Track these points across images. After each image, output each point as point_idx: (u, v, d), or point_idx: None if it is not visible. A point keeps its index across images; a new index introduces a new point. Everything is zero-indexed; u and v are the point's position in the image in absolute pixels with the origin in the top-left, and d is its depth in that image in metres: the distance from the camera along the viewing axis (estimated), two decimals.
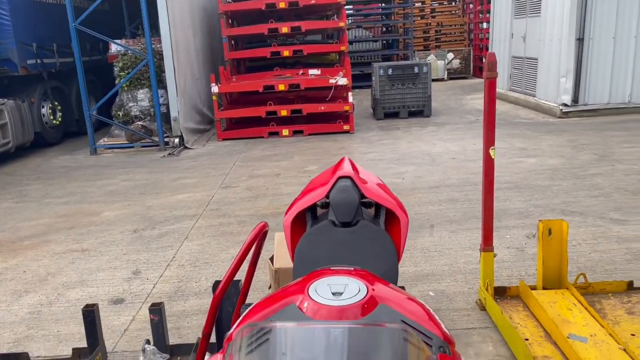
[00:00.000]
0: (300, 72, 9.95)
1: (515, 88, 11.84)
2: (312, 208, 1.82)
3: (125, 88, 9.19)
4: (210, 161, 7.88)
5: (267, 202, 5.58)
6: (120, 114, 9.25)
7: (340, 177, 1.79)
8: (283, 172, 6.84)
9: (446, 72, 18.18)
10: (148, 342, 2.71)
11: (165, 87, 8.87)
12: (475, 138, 8.26)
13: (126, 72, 9.05)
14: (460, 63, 18.65)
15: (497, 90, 12.95)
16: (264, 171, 6.99)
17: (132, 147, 9.03)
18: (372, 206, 1.86)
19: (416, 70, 10.45)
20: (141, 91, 9.13)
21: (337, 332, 0.83)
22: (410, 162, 7.00)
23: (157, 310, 2.79)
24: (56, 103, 9.75)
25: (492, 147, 3.06)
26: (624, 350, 2.51)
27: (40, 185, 7.01)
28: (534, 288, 3.16)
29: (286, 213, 1.85)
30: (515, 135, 8.30)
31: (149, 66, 8.56)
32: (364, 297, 0.96)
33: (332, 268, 1.19)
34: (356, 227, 1.70)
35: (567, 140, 7.68)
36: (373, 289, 0.99)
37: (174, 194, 6.16)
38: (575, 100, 9.41)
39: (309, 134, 9.28)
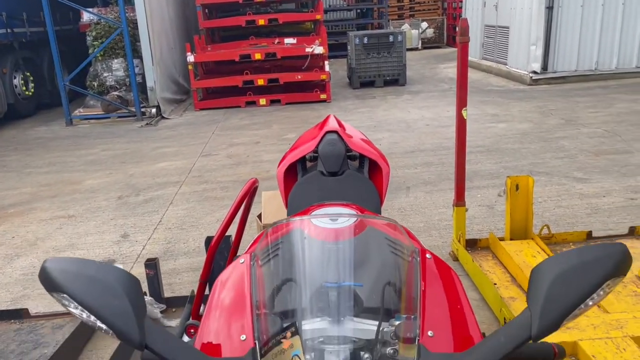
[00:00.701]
0: (276, 41, 9.97)
1: (487, 56, 12.08)
2: (302, 160, 2.00)
3: (100, 58, 9.11)
4: (188, 131, 7.95)
5: (248, 169, 5.72)
6: (95, 84, 9.17)
7: (327, 132, 1.97)
8: (262, 140, 6.97)
9: (420, 42, 18.30)
10: (145, 294, 2.88)
11: (140, 57, 8.82)
12: (448, 105, 8.49)
13: (100, 41, 8.95)
14: (434, 32, 18.78)
15: (470, 59, 13.26)
16: (243, 139, 7.10)
17: (109, 117, 9.00)
18: (357, 158, 2.04)
19: (391, 39, 10.57)
20: (116, 61, 9.06)
21: (337, 245, 1.01)
22: (387, 129, 7.20)
23: (152, 265, 2.95)
24: (28, 74, 9.60)
25: (464, 108, 3.25)
26: None
27: (18, 156, 7.00)
28: (502, 239, 3.41)
29: (279, 165, 2.02)
30: (487, 102, 8.55)
31: (124, 35, 8.49)
32: (355, 222, 1.15)
33: (327, 202, 1.38)
34: (343, 176, 1.88)
35: (536, 106, 7.96)
36: (363, 218, 1.17)
37: (155, 163, 6.25)
38: (544, 67, 9.70)
39: (287, 103, 9.38)
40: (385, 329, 0.88)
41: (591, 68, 9.73)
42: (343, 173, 1.88)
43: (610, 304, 2.72)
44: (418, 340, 0.87)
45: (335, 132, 1.97)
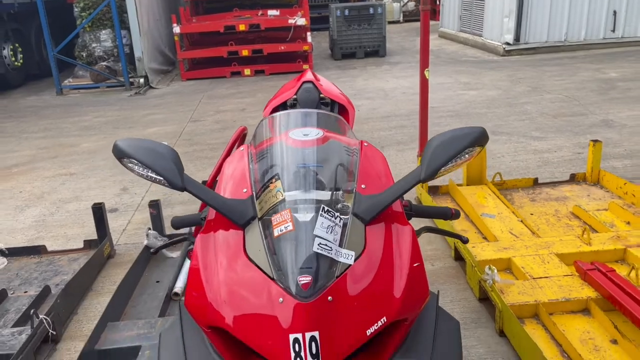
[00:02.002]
0: (260, 12, 10.26)
1: (464, 29, 12.48)
2: (283, 105, 2.44)
3: (88, 29, 9.35)
4: (176, 99, 8.29)
5: None
6: (84, 54, 9.44)
7: (304, 82, 2.41)
8: (248, 107, 7.36)
9: (402, 15, 18.60)
10: (149, 229, 3.33)
11: (127, 28, 9.08)
12: None
13: (88, 12, 9.18)
14: (415, 5, 19.06)
15: (448, 31, 13.63)
16: (229, 107, 7.49)
17: (98, 87, 9.30)
18: (329, 105, 2.48)
19: (371, 11, 10.90)
20: (104, 32, 9.31)
21: (305, 147, 1.45)
22: (366, 96, 7.63)
23: (155, 205, 3.40)
24: (17, 45, 9.80)
25: (426, 69, 3.70)
26: (521, 221, 3.29)
27: (13, 122, 7.32)
28: (460, 186, 3.91)
29: (264, 110, 2.45)
30: (461, 71, 9.00)
31: (111, 6, 8.73)
32: (322, 136, 1.58)
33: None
34: None
35: (507, 75, 8.44)
36: (326, 134, 1.61)
37: (146, 128, 6.62)
38: (517, 39, 10.16)
39: (270, 74, 9.73)
40: (338, 192, 1.33)
41: (561, 39, 10.21)
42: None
43: (544, 232, 3.24)
44: (355, 189, 1.33)
45: (311, 82, 2.41)
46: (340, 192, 1.32)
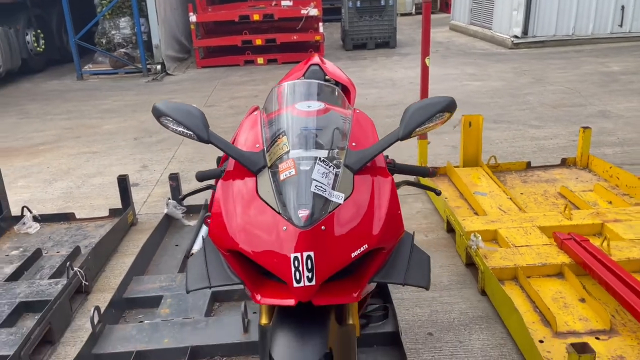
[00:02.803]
0: (273, 3, 10.55)
1: (474, 22, 12.65)
2: None
3: (107, 16, 9.69)
4: (192, 85, 8.62)
5: None
6: (103, 41, 9.78)
7: (311, 65, 2.70)
8: (261, 94, 7.65)
9: (414, 7, 18.75)
10: (169, 199, 3.66)
11: (146, 16, 9.40)
12: (432, 66, 9.13)
13: (107, 0, 9.51)
14: None
15: (458, 23, 13.79)
16: (243, 94, 7.79)
17: (116, 73, 9.64)
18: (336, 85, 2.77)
19: (382, 3, 11.12)
20: (123, 19, 9.64)
21: (309, 117, 1.74)
22: (374, 86, 7.89)
23: (174, 177, 3.72)
24: (39, 31, 10.17)
25: (427, 57, 3.97)
26: (510, 199, 3.57)
27: (37, 105, 7.68)
28: (457, 167, 4.18)
29: None
30: (468, 63, 9.22)
31: None
32: (323, 108, 1.87)
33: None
34: None
35: (512, 67, 8.66)
36: (327, 106, 1.89)
37: None
38: (525, 32, 10.34)
39: (283, 62, 10.01)
40: (333, 150, 1.62)
41: (568, 33, 10.38)
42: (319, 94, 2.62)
43: (531, 209, 3.52)
44: (347, 147, 1.62)
45: (317, 64, 2.70)
46: (336, 150, 1.61)
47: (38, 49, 10.16)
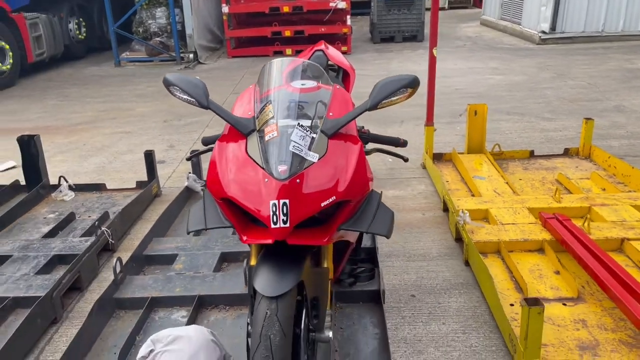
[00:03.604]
0: None
1: (504, 17, 12.66)
2: None
3: (145, 6, 10.14)
4: (222, 74, 8.99)
5: None
6: (140, 30, 10.25)
7: (316, 50, 2.98)
8: None
9: (447, 1, 18.75)
10: (190, 173, 4.00)
11: (180, 7, 9.82)
12: (457, 60, 9.30)
13: None
14: None
15: (489, 18, 13.78)
16: None
17: (152, 61, 10.11)
18: (335, 69, 3.03)
19: None
20: (159, 9, 10.09)
21: (295, 93, 2.01)
22: None
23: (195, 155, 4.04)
24: (81, 19, 10.72)
25: (435, 48, 4.19)
26: (507, 183, 3.77)
27: (77, 89, 8.18)
28: (461, 154, 4.39)
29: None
30: (493, 58, 9.32)
31: None
32: (314, 86, 2.13)
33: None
34: None
35: (536, 62, 8.72)
36: (319, 84, 2.16)
37: None
38: (553, 28, 10.34)
39: None
40: (315, 120, 1.88)
41: (598, 30, 10.32)
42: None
43: (525, 193, 3.72)
44: (325, 116, 1.89)
45: (322, 50, 2.98)
46: (316, 120, 1.88)
47: (80, 36, 10.72)
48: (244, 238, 1.76)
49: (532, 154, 4.42)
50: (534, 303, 2.03)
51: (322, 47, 3.03)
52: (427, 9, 14.32)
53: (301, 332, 1.78)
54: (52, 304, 2.60)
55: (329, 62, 2.96)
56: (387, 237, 1.88)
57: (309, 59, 2.96)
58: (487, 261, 2.89)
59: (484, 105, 4.30)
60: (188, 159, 2.29)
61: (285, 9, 10.17)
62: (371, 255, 2.87)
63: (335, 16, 10.36)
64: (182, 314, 2.60)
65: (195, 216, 1.90)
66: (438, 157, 4.46)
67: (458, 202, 3.44)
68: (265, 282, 1.69)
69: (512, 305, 2.55)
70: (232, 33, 10.47)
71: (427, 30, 12.15)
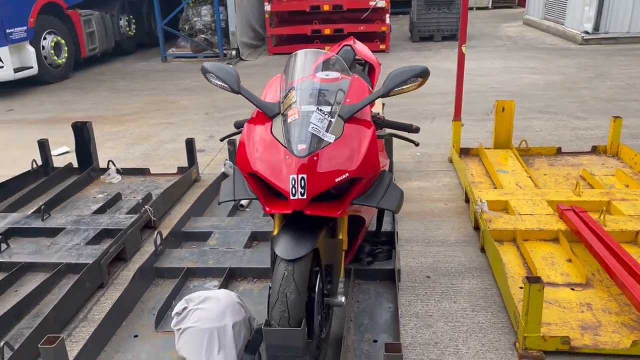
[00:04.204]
0: None
1: (548, 16, 12.51)
2: (326, 62, 3.23)
3: (191, 4, 10.56)
4: (262, 70, 9.28)
5: None
6: (186, 27, 10.68)
7: (344, 45, 3.18)
8: None
9: (491, 1, 18.58)
10: (227, 160, 4.27)
11: (225, 5, 10.18)
12: (495, 59, 9.31)
13: None
14: None
15: (532, 18, 13.64)
16: None
17: (196, 57, 10.51)
18: (362, 63, 3.22)
19: None
20: (204, 7, 10.48)
21: (315, 81, 2.21)
22: (433, 75, 8.12)
23: (232, 142, 4.32)
24: (131, 16, 11.24)
25: (464, 45, 4.32)
26: (529, 177, 3.88)
27: (126, 82, 8.64)
28: (488, 149, 4.51)
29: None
30: (532, 57, 9.28)
31: None
32: (337, 77, 2.33)
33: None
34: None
35: (576, 62, 8.65)
36: (342, 75, 2.36)
37: None
38: (596, 28, 10.19)
39: None
40: (334, 105, 2.08)
41: None
42: (350, 69, 3.10)
43: (548, 187, 3.81)
44: (343, 102, 2.09)
45: (349, 45, 3.18)
46: (335, 105, 2.08)
47: (130, 32, 11.24)
48: (267, 209, 1.98)
49: (559, 151, 4.49)
50: (535, 281, 2.18)
51: (351, 42, 3.23)
52: (476, 8, 14.27)
53: (315, 295, 1.99)
54: (99, 270, 2.90)
55: (356, 57, 3.16)
56: (395, 212, 2.07)
57: (337, 53, 3.17)
58: (502, 248, 3.03)
59: (512, 101, 4.40)
60: (222, 140, 2.53)
61: (326, 8, 10.39)
62: (390, 238, 3.05)
63: (375, 15, 10.51)
64: (214, 283, 2.85)
65: (225, 189, 2.14)
66: (465, 152, 4.58)
67: (479, 193, 3.57)
68: (284, 247, 1.91)
69: (521, 288, 2.69)
70: (273, 31, 10.77)
71: (469, 29, 12.07)
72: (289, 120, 2.00)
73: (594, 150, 4.47)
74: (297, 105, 2.03)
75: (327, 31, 10.44)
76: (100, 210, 3.74)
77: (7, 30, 7.52)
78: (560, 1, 11.65)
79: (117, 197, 3.97)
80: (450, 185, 4.11)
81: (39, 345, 1.95)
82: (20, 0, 7.79)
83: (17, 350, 2.23)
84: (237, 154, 2.08)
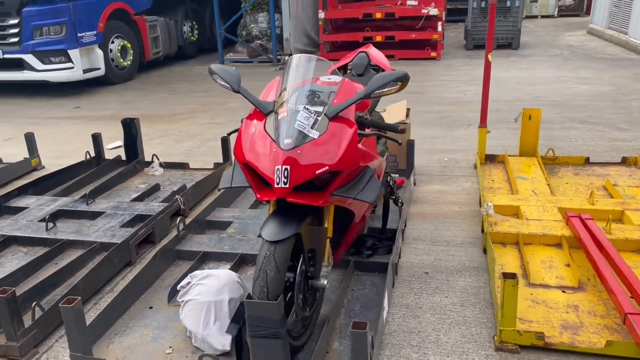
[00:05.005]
0: (399, 2, 11.15)
1: (612, 26, 12.09)
2: (343, 67, 3.43)
3: (249, 11, 11.05)
4: None
5: None
6: (244, 33, 11.17)
7: (360, 51, 3.38)
8: None
9: (557, 9, 18.08)
10: None
11: (280, 12, 10.58)
12: (548, 68, 9.15)
13: None
14: (573, 0, 18.36)
15: (596, 27, 13.20)
16: None
17: (252, 62, 10.97)
18: (378, 70, 3.40)
19: (509, 4, 11.18)
20: (261, 14, 10.94)
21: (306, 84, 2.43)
22: (478, 83, 8.13)
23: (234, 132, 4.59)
24: (194, 23, 11.88)
25: (490, 53, 4.39)
26: (548, 185, 3.90)
27: (184, 84, 9.18)
28: (513, 156, 4.55)
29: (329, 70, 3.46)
30: (587, 67, 9.05)
31: None
32: (333, 81, 2.53)
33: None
34: (364, 77, 3.27)
35: (632, 73, 8.36)
36: (342, 79, 2.56)
37: None
38: None
39: (400, 59, 10.60)
40: (323, 106, 2.29)
41: None
42: (364, 74, 3.29)
43: (566, 195, 3.83)
44: (331, 103, 2.29)
45: (365, 52, 3.37)
46: (323, 105, 2.29)
47: (192, 38, 11.88)
48: (258, 195, 2.22)
49: (587, 161, 4.46)
50: (510, 277, 2.29)
51: (366, 49, 3.43)
52: (542, 17, 13.90)
53: (297, 275, 2.21)
54: (128, 249, 3.24)
55: (371, 62, 3.34)
56: (372, 204, 2.25)
57: (352, 59, 3.38)
58: (504, 250, 3.12)
59: (538, 110, 4.42)
60: (228, 135, 2.78)
61: (378, 15, 10.57)
62: (392, 234, 3.21)
63: (427, 22, 10.58)
64: (227, 267, 3.12)
65: (225, 177, 2.40)
66: (491, 159, 4.64)
67: (492, 197, 3.66)
68: (268, 230, 2.14)
69: (512, 287, 2.78)
70: (326, 37, 11.06)
71: (528, 38, 12.02)
72: (279, 117, 2.22)
73: (624, 161, 4.41)
74: (287, 104, 2.25)
75: (378, 38, 10.61)
76: (139, 199, 4.12)
77: (79, 34, 8.23)
78: (625, 10, 11.25)
79: (155, 188, 4.34)
80: (469, 189, 4.20)
81: (60, 305, 2.28)
82: (92, 7, 8.50)
83: (45, 312, 2.58)
84: (234, 146, 2.33)
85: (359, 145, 2.34)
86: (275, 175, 2.10)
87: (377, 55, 3.47)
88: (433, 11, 10.32)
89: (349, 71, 3.42)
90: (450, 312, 2.68)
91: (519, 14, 11.23)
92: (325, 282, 2.33)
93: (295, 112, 2.21)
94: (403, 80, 2.22)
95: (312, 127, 2.18)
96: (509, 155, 4.50)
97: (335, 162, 2.14)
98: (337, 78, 2.53)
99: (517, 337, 2.35)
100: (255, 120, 2.33)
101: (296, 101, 2.27)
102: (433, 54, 10.47)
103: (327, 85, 2.44)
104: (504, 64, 9.76)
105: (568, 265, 2.94)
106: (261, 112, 2.33)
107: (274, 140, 2.17)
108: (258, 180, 2.26)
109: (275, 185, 2.09)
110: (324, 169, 2.12)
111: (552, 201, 3.59)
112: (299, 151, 2.12)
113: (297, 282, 2.22)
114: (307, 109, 2.22)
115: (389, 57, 10.92)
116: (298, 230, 2.15)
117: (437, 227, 3.60)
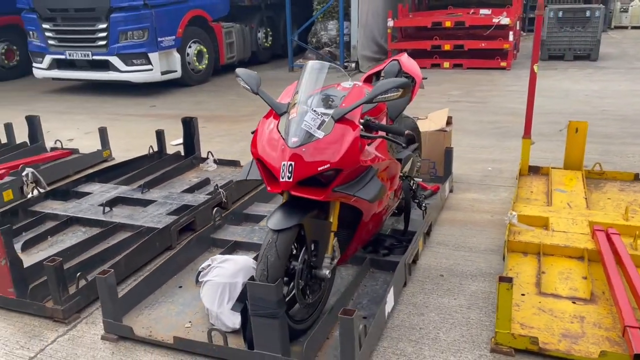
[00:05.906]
0: (471, 11, 11.05)
1: None
2: (377, 74, 3.58)
3: (320, 19, 11.37)
4: None
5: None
6: (314, 40, 11.51)
7: (392, 59, 3.52)
8: (427, 94, 8.38)
9: None
10: None
11: (350, 20, 10.81)
12: (624, 81, 8.74)
13: (321, 5, 11.18)
14: None
15: None
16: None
17: None
18: (409, 77, 3.53)
19: (588, 14, 10.77)
20: (331, 22, 11.23)
21: (337, 90, 2.60)
22: (543, 95, 7.96)
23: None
24: (268, 29, 12.38)
25: (536, 64, 4.36)
26: (585, 198, 3.83)
27: None
28: (558, 169, 4.47)
29: (363, 76, 3.62)
30: None
31: (339, 1, 10.54)
32: (352, 86, 2.70)
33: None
34: None
35: None
36: (356, 84, 2.72)
37: None
38: None
39: (468, 68, 10.50)
40: (332, 109, 2.46)
41: None
42: None
43: (604, 211, 3.74)
44: (339, 106, 2.45)
45: (397, 60, 3.51)
46: (331, 108, 2.47)
47: (266, 44, 12.38)
48: (268, 188, 2.43)
49: (636, 177, 4.31)
50: (505, 280, 2.35)
51: (399, 57, 3.57)
52: (632, 27, 13.15)
53: (298, 263, 2.40)
54: (169, 234, 3.57)
55: (402, 70, 3.47)
56: (370, 202, 2.39)
57: (384, 67, 3.53)
58: (524, 259, 3.14)
59: (585, 122, 4.33)
60: (252, 133, 3.02)
61: (447, 24, 10.53)
62: (410, 235, 3.32)
63: (498, 32, 10.40)
64: (253, 255, 3.36)
65: (243, 170, 2.64)
66: (535, 170, 4.59)
67: (524, 207, 3.66)
68: (273, 220, 2.35)
69: (522, 295, 2.81)
70: (394, 45, 11.15)
71: (610, 49, 11.51)
72: (290, 117, 2.43)
73: None
74: (298, 106, 2.46)
75: (446, 47, 10.57)
76: (189, 190, 4.47)
77: (159, 39, 8.88)
78: None
79: (206, 182, 4.68)
80: (505, 200, 4.19)
81: (96, 276, 2.61)
82: (172, 14, 9.14)
83: (88, 282, 2.93)
84: (251, 142, 2.56)
85: (367, 147, 2.50)
86: (282, 170, 2.30)
87: (408, 63, 3.60)
88: (504, 20, 10.14)
89: (381, 78, 3.57)
90: (455, 313, 2.75)
91: (599, 24, 10.76)
92: (327, 272, 2.50)
93: (304, 113, 2.40)
94: (404, 87, 2.35)
95: (318, 128, 2.37)
96: (552, 168, 4.44)
97: (336, 160, 2.31)
98: (351, 84, 2.71)
99: (512, 340, 2.40)
100: (269, 120, 2.55)
101: (306, 104, 2.47)
102: (503, 64, 10.28)
103: (343, 90, 2.62)
104: (578, 76, 9.41)
105: (585, 278, 2.91)
106: (276, 112, 2.55)
107: (283, 138, 2.38)
108: (269, 174, 2.47)
109: (281, 179, 2.30)
110: (326, 166, 2.30)
111: (585, 214, 3.53)
112: (304, 149, 2.31)
113: (298, 269, 2.41)
114: (315, 111, 2.41)
115: (456, 65, 10.89)
116: (300, 222, 2.34)
117: (464, 233, 3.65)
